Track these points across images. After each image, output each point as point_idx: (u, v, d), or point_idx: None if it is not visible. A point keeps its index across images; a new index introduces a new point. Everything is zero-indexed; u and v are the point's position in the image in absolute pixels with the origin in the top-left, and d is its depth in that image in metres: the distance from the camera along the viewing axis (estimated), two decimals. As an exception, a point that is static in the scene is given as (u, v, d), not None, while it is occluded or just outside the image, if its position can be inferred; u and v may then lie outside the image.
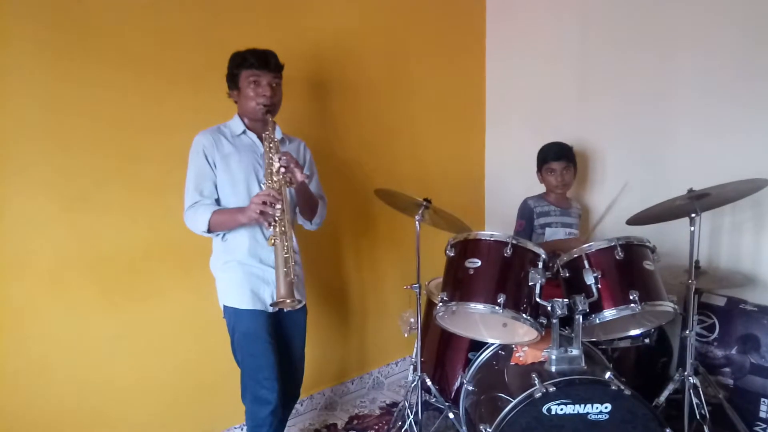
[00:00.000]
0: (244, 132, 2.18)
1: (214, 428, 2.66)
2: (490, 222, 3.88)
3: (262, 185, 2.07)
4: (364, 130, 3.16)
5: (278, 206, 1.94)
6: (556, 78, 3.46)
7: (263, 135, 2.12)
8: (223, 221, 2.06)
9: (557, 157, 2.93)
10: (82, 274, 2.25)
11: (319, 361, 3.07)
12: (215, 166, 2.10)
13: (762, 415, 2.64)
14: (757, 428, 2.64)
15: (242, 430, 2.70)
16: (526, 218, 2.97)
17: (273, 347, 2.16)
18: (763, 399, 2.63)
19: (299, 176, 2.01)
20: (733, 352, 2.75)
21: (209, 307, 2.44)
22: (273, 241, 1.96)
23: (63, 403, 2.24)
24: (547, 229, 2.96)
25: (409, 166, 3.40)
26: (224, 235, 2.14)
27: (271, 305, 2.09)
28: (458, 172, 3.73)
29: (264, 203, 1.92)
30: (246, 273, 2.15)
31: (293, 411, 2.88)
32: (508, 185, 3.75)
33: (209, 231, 2.06)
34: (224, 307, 2.19)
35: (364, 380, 3.33)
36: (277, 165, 1.99)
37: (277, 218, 1.95)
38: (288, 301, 1.92)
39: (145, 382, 2.44)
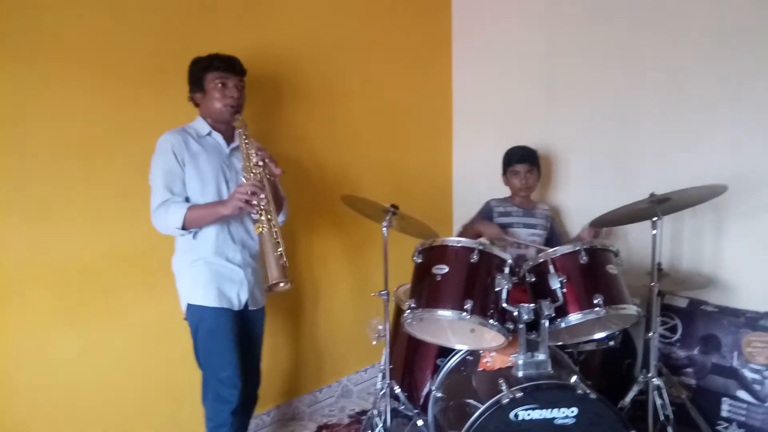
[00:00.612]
0: (209, 133, 2.21)
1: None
2: (459, 227, 3.88)
3: (242, 178, 2.10)
4: (331, 136, 3.15)
5: (262, 195, 2.01)
6: (523, 84, 3.49)
7: (236, 132, 2.20)
8: (201, 216, 2.05)
9: (521, 160, 2.98)
10: (43, 287, 2.18)
11: (288, 370, 3.03)
12: (184, 165, 2.10)
13: (723, 414, 2.69)
14: (719, 427, 2.69)
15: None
16: (483, 214, 3.06)
17: (236, 347, 2.17)
18: (724, 398, 2.69)
19: (276, 170, 2.10)
20: (695, 352, 2.80)
21: (176, 318, 2.39)
22: (260, 229, 2.01)
23: (25, 423, 2.16)
24: (509, 230, 2.99)
25: (377, 173, 3.40)
26: (196, 233, 2.13)
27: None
28: (426, 178, 3.74)
29: (249, 193, 1.98)
30: (213, 271, 2.16)
31: (260, 422, 2.86)
32: (476, 190, 3.75)
33: (183, 228, 2.03)
34: (188, 305, 2.16)
35: (333, 389, 3.30)
36: (255, 159, 2.08)
37: (262, 206, 2.01)
38: (281, 284, 1.97)
39: (111, 398, 2.37)
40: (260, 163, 2.09)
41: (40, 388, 2.19)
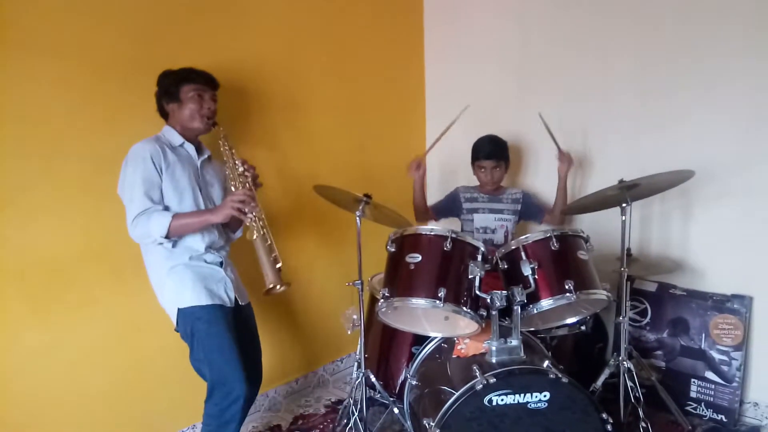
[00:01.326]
0: (182, 144, 2.19)
1: (154, 436, 2.58)
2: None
3: (232, 187, 2.16)
4: (304, 127, 3.12)
5: (254, 204, 2.06)
6: (494, 74, 3.49)
7: (219, 141, 2.22)
8: (188, 224, 2.03)
9: (487, 156, 2.98)
10: (8, 283, 2.12)
11: (264, 362, 3.01)
12: (162, 174, 2.06)
13: (692, 395, 2.77)
14: (688, 407, 2.77)
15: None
16: (446, 200, 3.13)
17: (237, 341, 2.15)
18: (693, 379, 2.76)
19: (258, 183, 2.19)
20: (665, 335, 2.86)
21: (144, 312, 2.38)
22: (254, 235, 2.05)
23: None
24: (475, 216, 3.04)
25: (351, 163, 3.38)
26: (176, 242, 2.10)
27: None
28: (399, 169, 3.71)
29: (241, 201, 2.01)
30: (196, 273, 2.14)
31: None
32: (449, 180, 3.76)
33: (166, 237, 2.00)
34: (179, 311, 2.12)
35: (309, 379, 3.29)
36: (241, 168, 2.15)
37: (255, 214, 2.06)
38: (278, 287, 2.03)
39: (82, 394, 2.33)
40: (247, 174, 2.16)
41: (8, 382, 2.14)
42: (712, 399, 2.72)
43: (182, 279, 2.11)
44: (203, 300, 2.10)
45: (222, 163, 2.30)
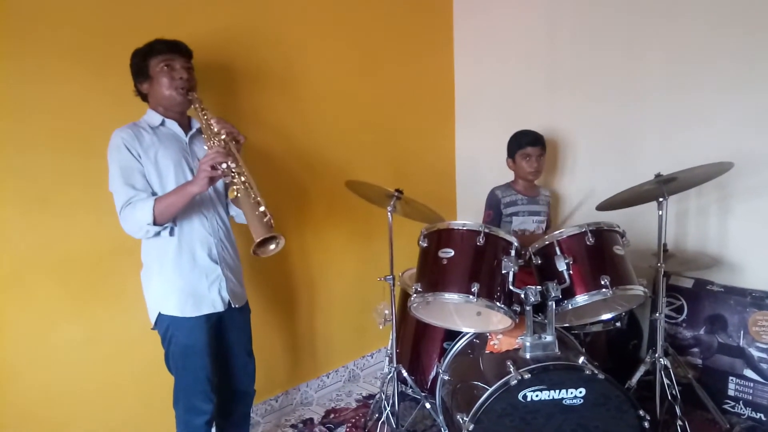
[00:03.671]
0: (162, 123, 2.07)
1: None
2: (462, 212, 3.89)
3: (205, 147, 1.98)
4: (335, 123, 3.13)
5: (229, 159, 1.89)
6: (524, 70, 3.46)
7: (195, 106, 2.04)
8: (171, 203, 1.90)
9: (533, 143, 2.92)
10: (46, 276, 2.17)
11: (295, 356, 3.05)
12: (140, 158, 1.96)
13: (730, 393, 2.71)
14: (726, 406, 2.71)
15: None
16: (494, 208, 2.98)
17: (212, 358, 2.09)
18: (731, 377, 2.70)
19: (239, 138, 2.01)
20: (701, 332, 2.81)
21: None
22: (235, 192, 1.88)
23: (31, 412, 2.16)
24: (515, 218, 2.96)
25: (380, 159, 3.38)
26: (173, 228, 2.01)
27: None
28: (429, 164, 3.73)
29: (214, 162, 1.86)
30: (186, 275, 2.03)
31: (268, 407, 2.88)
32: (479, 175, 3.75)
33: (155, 223, 1.90)
34: (160, 314, 2.04)
35: (340, 373, 3.31)
36: (216, 127, 1.97)
37: (233, 170, 1.88)
38: (272, 245, 1.83)
39: (118, 386, 2.38)
40: (222, 132, 1.97)
41: (46, 374, 2.19)
42: (750, 397, 2.66)
43: (171, 281, 2.02)
44: (187, 311, 2.02)
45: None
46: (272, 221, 1.84)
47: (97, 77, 2.24)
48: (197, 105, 2.03)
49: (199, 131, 2.13)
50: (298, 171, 3.00)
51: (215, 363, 2.13)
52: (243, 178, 1.89)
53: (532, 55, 3.42)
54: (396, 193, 2.38)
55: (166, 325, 2.04)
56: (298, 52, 2.92)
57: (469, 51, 3.74)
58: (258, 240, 1.79)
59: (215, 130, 1.97)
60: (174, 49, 2.03)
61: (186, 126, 2.14)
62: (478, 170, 3.78)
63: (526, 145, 2.92)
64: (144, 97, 2.11)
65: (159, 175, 1.99)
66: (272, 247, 1.84)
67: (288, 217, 2.95)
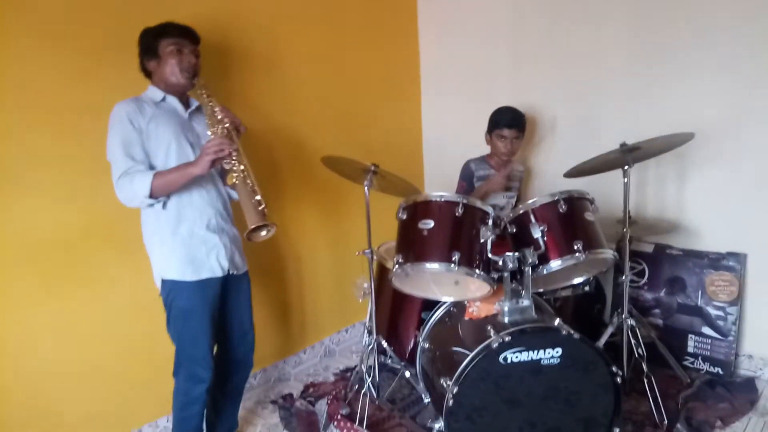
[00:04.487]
0: (164, 99, 2.13)
1: (166, 410, 2.59)
2: (431, 186, 3.96)
3: (209, 133, 2.06)
4: (303, 101, 3.13)
5: (234, 147, 1.99)
6: (489, 45, 3.53)
7: (198, 91, 2.14)
8: (171, 180, 1.97)
9: (510, 125, 2.93)
10: (17, 261, 2.13)
11: (270, 333, 3.07)
12: (142, 132, 2.02)
13: (690, 350, 2.88)
14: (686, 362, 2.88)
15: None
16: (467, 180, 3.05)
17: (213, 321, 2.15)
18: (690, 335, 2.87)
19: (241, 128, 2.14)
20: (662, 294, 2.96)
21: (152, 285, 2.36)
22: (233, 179, 1.98)
23: (7, 399, 2.14)
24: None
25: (349, 137, 3.40)
26: (165, 202, 2.05)
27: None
28: (397, 140, 3.77)
29: (218, 147, 1.95)
30: (186, 242, 2.09)
31: (247, 385, 2.89)
32: (445, 149, 3.82)
33: (151, 196, 1.96)
34: (162, 281, 2.11)
35: (316, 349, 3.36)
36: (220, 115, 2.08)
37: (234, 158, 1.99)
38: (263, 231, 1.94)
39: (95, 370, 2.36)
40: (225, 120, 2.08)
41: (20, 359, 2.16)
42: (708, 353, 2.83)
43: (171, 249, 2.08)
44: (188, 276, 2.08)
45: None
46: (266, 210, 1.96)
47: (69, 56, 2.20)
48: (203, 92, 2.13)
49: (198, 109, 2.23)
50: (275, 148, 3.01)
51: (215, 330, 2.16)
52: (242, 167, 2.00)
53: (497, 30, 3.48)
54: (372, 167, 2.41)
55: (167, 290, 2.11)
56: (265, 32, 2.90)
57: (433, 27, 3.78)
58: (252, 227, 1.91)
59: (219, 117, 2.08)
60: (185, 34, 2.13)
61: (185, 103, 2.20)
62: (444, 145, 3.84)
63: (504, 126, 2.94)
64: (147, 74, 2.17)
65: (161, 148, 2.05)
66: (263, 233, 1.95)
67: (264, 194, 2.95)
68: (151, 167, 2.03)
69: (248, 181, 1.99)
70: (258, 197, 1.97)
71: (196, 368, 2.13)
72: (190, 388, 2.14)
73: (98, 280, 2.35)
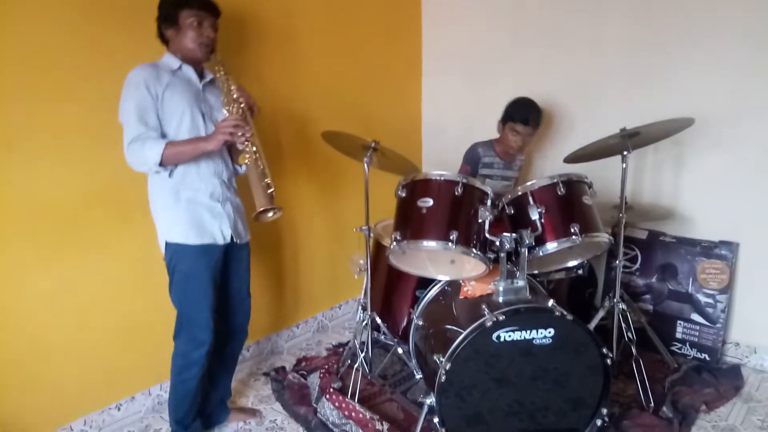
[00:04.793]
0: (180, 68, 2.13)
1: (163, 377, 2.63)
2: (428, 167, 3.95)
3: (224, 111, 2.10)
4: (304, 78, 3.11)
5: (247, 128, 2.03)
6: (490, 29, 3.51)
7: (215, 67, 2.17)
8: (182, 152, 2.01)
9: (525, 122, 2.86)
10: (15, 226, 2.12)
11: (264, 306, 3.08)
12: (157, 99, 2.03)
13: (678, 336, 2.93)
14: (674, 347, 2.93)
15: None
16: (472, 165, 3.02)
17: (214, 286, 2.18)
18: (679, 321, 2.91)
19: (255, 109, 2.18)
20: (653, 280, 3.00)
21: (154, 254, 2.36)
22: (245, 159, 2.04)
23: (3, 366, 2.14)
24: (488, 181, 3.02)
25: (350, 116, 3.38)
26: (172, 171, 2.07)
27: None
28: (396, 119, 3.76)
29: (234, 126, 2.00)
30: (192, 207, 2.11)
31: (240, 357, 2.92)
32: (445, 130, 3.82)
33: (160, 164, 1.98)
34: (166, 243, 2.13)
35: (309, 324, 3.38)
36: (236, 94, 2.11)
37: (247, 138, 2.03)
38: (270, 213, 2.01)
39: (87, 337, 2.37)
40: (241, 99, 2.12)
41: (17, 325, 2.17)
42: (696, 339, 2.88)
43: (177, 211, 2.10)
44: (191, 239, 2.10)
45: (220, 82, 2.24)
46: (274, 193, 2.03)
47: (73, 19, 2.17)
48: (220, 68, 2.16)
49: (211, 82, 2.23)
50: (278, 122, 3.00)
51: (216, 296, 2.19)
52: (254, 148, 2.05)
53: (499, 15, 3.47)
54: (373, 144, 2.42)
55: (171, 252, 2.13)
56: (267, 8, 2.88)
57: (436, 10, 3.76)
58: (260, 209, 1.98)
59: (235, 96, 2.11)
60: (206, 7, 2.12)
61: (200, 74, 2.20)
62: (443, 127, 3.84)
63: (519, 121, 2.86)
64: (164, 41, 2.16)
65: (175, 116, 2.06)
66: (270, 215, 2.02)
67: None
68: (163, 135, 2.04)
69: (259, 164, 2.04)
70: (268, 180, 2.03)
71: (197, 331, 2.15)
72: (189, 350, 2.17)
73: (98, 247, 2.35)
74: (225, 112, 2.09)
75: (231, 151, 2.26)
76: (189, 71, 2.15)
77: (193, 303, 2.15)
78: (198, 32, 2.09)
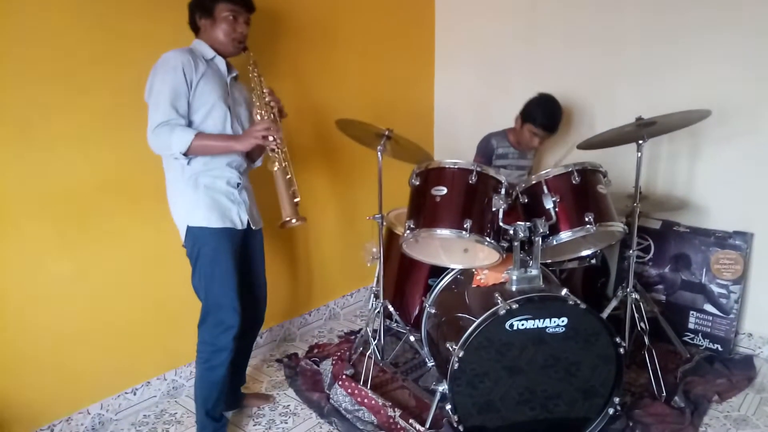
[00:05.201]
0: (213, 58, 2.14)
1: (177, 363, 2.67)
2: (440, 156, 3.95)
3: (257, 115, 2.13)
4: (315, 67, 3.11)
5: (280, 134, 2.06)
6: (505, 19, 3.50)
7: (249, 66, 2.18)
8: (211, 146, 2.02)
9: (544, 127, 2.88)
10: (31, 212, 2.15)
11: (277, 293, 3.10)
12: (191, 87, 2.02)
13: (690, 326, 2.92)
14: (686, 338, 2.92)
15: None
16: (486, 156, 3.02)
17: (237, 270, 2.17)
18: (692, 311, 2.91)
19: (284, 113, 2.20)
20: (666, 270, 2.99)
21: (168, 240, 2.40)
22: (275, 166, 2.05)
23: (18, 350, 2.17)
24: (502, 170, 3.02)
25: (359, 104, 3.38)
26: (191, 159, 2.06)
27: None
28: (408, 109, 3.75)
29: (267, 130, 2.02)
30: (211, 193, 2.10)
31: (255, 344, 2.94)
32: (456, 122, 3.81)
33: (185, 154, 1.98)
34: (188, 228, 2.11)
35: (321, 312, 3.40)
36: (268, 98, 2.13)
37: (278, 145, 2.06)
38: (294, 220, 2.05)
39: (103, 323, 2.39)
40: (272, 103, 2.14)
41: (32, 309, 2.19)
42: (709, 330, 2.87)
43: (197, 196, 2.09)
44: (213, 222, 2.09)
45: (248, 85, 2.24)
46: (299, 202, 2.10)
47: (85, 6, 2.17)
48: (252, 66, 2.18)
49: (236, 77, 2.24)
50: (294, 111, 3.00)
51: (241, 275, 2.19)
52: (283, 155, 2.08)
53: (511, 6, 3.45)
54: (387, 132, 2.42)
55: (193, 237, 2.11)
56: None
57: (449, 2, 3.75)
58: (285, 220, 2.05)
59: (267, 99, 2.14)
60: (243, 3, 2.13)
61: (229, 67, 2.21)
62: (455, 117, 3.83)
63: (539, 126, 2.87)
64: (194, 28, 2.17)
65: (207, 106, 2.07)
66: (294, 221, 2.06)
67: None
68: (189, 123, 2.04)
69: (288, 171, 2.07)
70: (294, 187, 2.07)
71: (224, 314, 2.13)
72: (217, 335, 2.14)
73: (112, 233, 2.37)
74: (257, 116, 2.13)
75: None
76: (221, 63, 2.16)
77: (219, 286, 2.13)
78: (232, 27, 2.11)
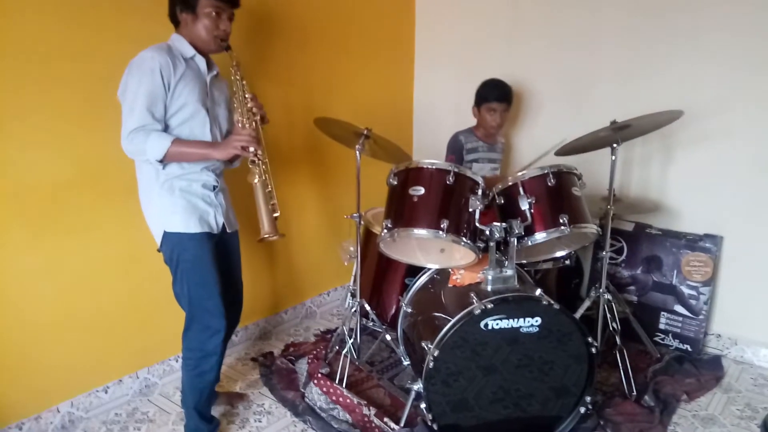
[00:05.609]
0: (193, 57, 2.07)
1: (150, 360, 2.64)
2: (419, 156, 3.97)
3: (238, 123, 2.07)
4: (297, 66, 3.10)
5: (260, 148, 2.01)
6: (485, 19, 3.52)
7: (231, 68, 2.11)
8: (187, 154, 1.96)
9: (499, 99, 2.96)
10: (5, 206, 2.11)
11: (253, 291, 3.08)
12: (169, 90, 1.95)
13: (661, 326, 2.98)
14: (656, 338, 2.98)
15: (177, 361, 2.69)
16: (456, 153, 3.05)
17: (218, 273, 2.13)
18: (662, 312, 2.96)
19: (266, 120, 2.14)
20: (638, 271, 3.04)
21: (141, 237, 2.35)
22: (255, 179, 2.01)
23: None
24: (474, 165, 3.06)
25: (339, 103, 3.39)
26: (166, 164, 2.01)
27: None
28: (388, 109, 3.77)
29: (247, 142, 1.97)
30: (188, 196, 2.05)
31: (230, 342, 2.93)
32: (436, 120, 3.83)
33: (161, 161, 1.92)
34: (165, 233, 2.04)
35: (297, 310, 3.39)
36: (250, 104, 2.07)
37: (258, 157, 2.01)
38: (273, 237, 2.03)
39: (75, 319, 2.36)
40: (255, 110, 2.08)
41: (4, 304, 2.15)
42: (679, 330, 2.93)
43: (173, 200, 2.03)
44: (192, 227, 2.04)
45: (229, 81, 2.18)
46: (278, 216, 2.07)
47: (60, 3, 2.14)
48: (234, 68, 2.10)
49: (217, 76, 2.18)
50: (271, 109, 2.98)
51: (221, 278, 2.15)
52: (264, 167, 2.04)
53: (490, 7, 3.48)
54: (365, 132, 2.42)
55: (172, 243, 2.05)
56: None
57: (429, 2, 3.76)
58: (264, 235, 2.03)
59: (249, 105, 2.07)
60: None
61: (209, 65, 2.14)
62: (435, 116, 3.85)
63: (493, 99, 2.96)
64: (175, 22, 2.09)
65: (185, 109, 2.00)
66: (272, 237, 2.05)
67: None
68: (165, 127, 1.98)
69: (268, 184, 2.04)
70: (274, 201, 2.04)
71: (210, 319, 2.09)
72: (204, 341, 2.11)
73: (84, 229, 2.33)
74: (238, 124, 2.06)
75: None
76: (201, 62, 2.09)
77: (204, 291, 2.08)
78: (215, 24, 2.03)
